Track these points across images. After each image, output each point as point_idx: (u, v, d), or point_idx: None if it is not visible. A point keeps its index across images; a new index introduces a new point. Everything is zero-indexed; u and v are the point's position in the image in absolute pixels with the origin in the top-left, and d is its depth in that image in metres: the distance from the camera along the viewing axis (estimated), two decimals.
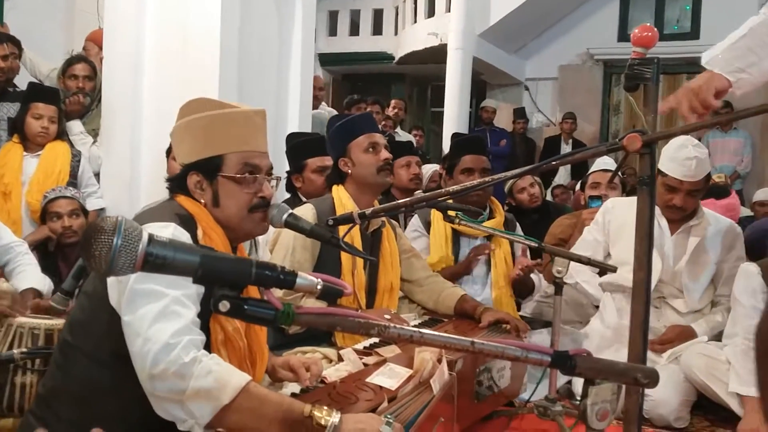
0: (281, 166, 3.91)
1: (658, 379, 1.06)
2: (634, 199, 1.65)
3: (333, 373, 1.88)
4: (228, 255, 0.88)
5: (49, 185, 3.33)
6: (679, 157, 2.78)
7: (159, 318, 1.32)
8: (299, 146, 3.45)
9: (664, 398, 2.59)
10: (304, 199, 3.32)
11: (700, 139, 5.09)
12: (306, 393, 1.70)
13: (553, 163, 1.82)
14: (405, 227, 3.43)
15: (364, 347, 2.16)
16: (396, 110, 7.17)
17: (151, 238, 0.79)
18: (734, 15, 8.38)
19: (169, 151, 3.21)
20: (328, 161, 3.26)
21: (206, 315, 1.44)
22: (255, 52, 3.83)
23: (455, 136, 3.58)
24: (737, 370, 2.56)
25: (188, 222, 1.53)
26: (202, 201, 1.60)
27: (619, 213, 3.04)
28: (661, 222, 2.93)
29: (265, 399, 1.33)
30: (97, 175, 3.78)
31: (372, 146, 2.52)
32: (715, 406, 2.68)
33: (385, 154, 2.54)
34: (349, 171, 2.54)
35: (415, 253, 2.85)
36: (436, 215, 3.14)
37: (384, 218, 2.62)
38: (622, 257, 2.83)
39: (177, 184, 1.64)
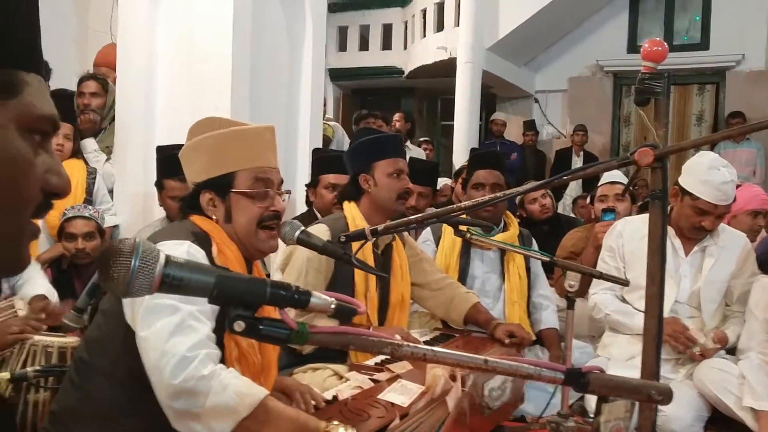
0: (292, 180, 3.94)
1: (672, 396, 1.05)
2: (644, 218, 1.63)
3: (345, 389, 1.88)
4: (243, 275, 0.89)
5: (66, 203, 3.35)
6: (714, 182, 2.70)
7: (175, 332, 1.33)
8: (317, 162, 3.59)
9: (678, 414, 2.57)
10: (317, 213, 3.36)
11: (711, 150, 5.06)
12: (317, 410, 1.70)
13: (565, 177, 1.82)
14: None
15: (376, 363, 2.16)
16: (398, 123, 7.19)
17: (168, 259, 0.80)
18: (744, 25, 8.42)
19: (158, 184, 3.20)
20: (340, 180, 3.30)
21: (221, 331, 1.45)
22: (266, 67, 3.87)
23: (473, 151, 3.59)
24: (752, 384, 2.54)
25: (203, 240, 1.55)
26: (215, 218, 1.62)
27: (630, 237, 2.96)
28: (674, 242, 2.89)
29: (282, 414, 1.34)
30: (110, 192, 3.82)
31: (397, 172, 2.52)
32: (729, 421, 2.65)
33: (406, 182, 2.54)
34: (369, 190, 2.53)
35: (426, 256, 2.84)
36: (447, 230, 3.14)
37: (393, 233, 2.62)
38: (637, 282, 2.79)
39: (189, 204, 1.66)
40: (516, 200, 4.51)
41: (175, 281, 0.80)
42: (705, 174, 2.74)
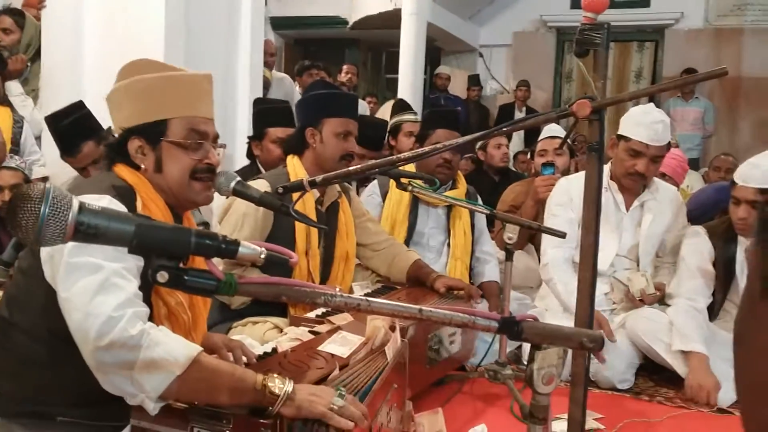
0: (230, 132, 3.83)
1: (604, 343, 1.08)
2: (584, 176, 1.65)
3: (284, 342, 1.86)
4: (166, 224, 0.84)
5: None
6: (646, 122, 2.79)
7: (99, 291, 1.27)
8: (263, 113, 3.40)
9: (610, 362, 2.66)
10: (261, 168, 3.28)
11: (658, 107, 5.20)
12: (256, 362, 1.68)
13: (504, 129, 1.82)
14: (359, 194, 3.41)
15: (317, 315, 2.15)
16: (349, 75, 7.06)
17: (82, 206, 0.75)
18: None
19: (67, 151, 2.98)
20: (288, 133, 3.21)
21: (148, 289, 1.40)
22: (203, 13, 3.70)
23: (432, 106, 3.54)
24: (680, 328, 2.65)
25: (126, 193, 1.47)
26: (143, 166, 1.54)
27: (578, 194, 2.93)
28: (617, 197, 2.95)
29: (217, 369, 1.31)
30: (38, 139, 3.64)
31: (345, 134, 2.48)
32: (660, 368, 2.77)
33: (353, 144, 2.51)
34: (314, 145, 2.49)
35: (370, 217, 2.85)
36: (394, 185, 3.12)
37: (339, 189, 2.60)
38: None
39: (116, 150, 1.56)
40: (477, 144, 4.53)
41: (90, 229, 0.75)
42: (638, 116, 2.86)
